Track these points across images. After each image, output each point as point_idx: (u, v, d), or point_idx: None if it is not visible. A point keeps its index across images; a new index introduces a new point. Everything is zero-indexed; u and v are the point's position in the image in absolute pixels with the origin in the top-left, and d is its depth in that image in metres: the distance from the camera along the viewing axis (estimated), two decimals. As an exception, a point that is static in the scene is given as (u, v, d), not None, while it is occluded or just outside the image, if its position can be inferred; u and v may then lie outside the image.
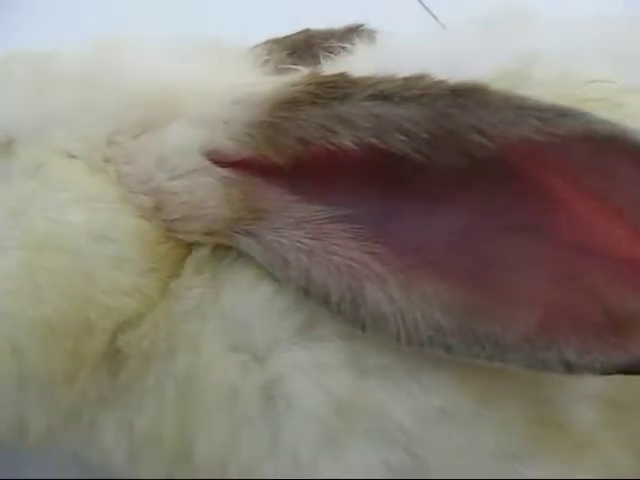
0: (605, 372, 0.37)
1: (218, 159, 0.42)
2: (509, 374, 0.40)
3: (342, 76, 0.41)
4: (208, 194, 0.42)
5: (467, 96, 0.38)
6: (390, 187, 0.41)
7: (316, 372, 0.41)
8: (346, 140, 0.39)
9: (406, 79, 0.40)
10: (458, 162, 0.38)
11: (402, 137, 0.38)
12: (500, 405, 0.41)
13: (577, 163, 0.37)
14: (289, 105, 0.41)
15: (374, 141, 0.39)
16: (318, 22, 0.63)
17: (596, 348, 0.37)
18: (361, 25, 0.61)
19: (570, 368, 0.37)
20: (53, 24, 0.91)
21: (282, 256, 0.41)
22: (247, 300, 0.43)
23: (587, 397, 0.42)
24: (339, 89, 0.40)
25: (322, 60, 0.54)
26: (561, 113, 0.36)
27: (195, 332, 0.43)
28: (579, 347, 0.37)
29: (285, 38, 0.61)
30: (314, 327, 0.42)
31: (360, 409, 0.40)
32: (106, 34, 0.48)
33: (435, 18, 0.91)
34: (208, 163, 0.42)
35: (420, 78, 0.39)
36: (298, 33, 0.61)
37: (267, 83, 0.44)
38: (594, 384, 0.42)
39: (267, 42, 0.60)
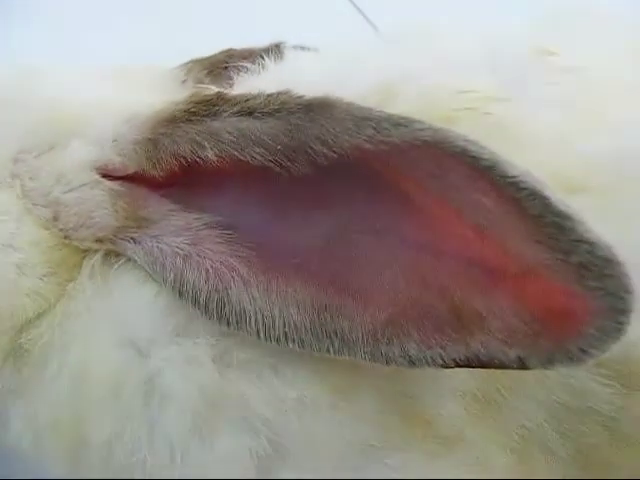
0: (445, 366, 0.39)
1: (107, 173, 0.46)
2: (368, 369, 0.43)
3: (218, 94, 0.45)
4: (97, 205, 0.46)
5: (317, 109, 0.41)
6: (263, 196, 0.45)
7: (187, 366, 0.45)
8: (211, 154, 0.42)
9: (269, 95, 0.43)
10: (308, 171, 0.41)
11: (259, 149, 0.41)
12: (356, 398, 0.43)
13: (418, 169, 0.40)
14: (168, 122, 0.45)
15: (236, 154, 0.42)
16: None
17: (438, 343, 0.39)
18: (281, 42, 0.64)
19: (412, 361, 0.40)
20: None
21: (160, 261, 0.45)
22: (133, 300, 0.46)
23: (452, 392, 0.44)
24: (212, 106, 0.44)
25: (234, 79, 0.58)
26: (396, 122, 0.39)
27: (87, 330, 0.47)
28: (421, 342, 0.40)
29: (206, 58, 0.65)
30: (190, 325, 0.45)
31: (226, 400, 0.44)
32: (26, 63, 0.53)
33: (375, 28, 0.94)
34: (98, 177, 0.46)
35: (281, 94, 0.43)
36: (220, 52, 0.65)
37: (159, 103, 0.48)
38: (459, 379, 0.44)
39: (188, 62, 0.64)
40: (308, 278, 0.42)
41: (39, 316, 0.48)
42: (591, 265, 0.35)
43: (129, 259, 0.47)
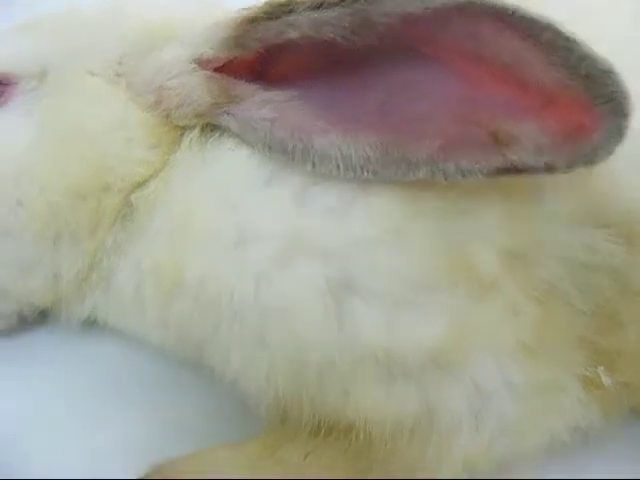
0: (491, 174, 0.51)
1: (202, 63, 0.57)
2: (424, 216, 0.54)
3: (289, -1, 0.57)
4: (195, 87, 0.57)
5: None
6: (329, 72, 0.56)
7: (272, 210, 0.55)
8: (292, 36, 0.54)
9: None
10: (369, 42, 0.53)
11: (330, 28, 0.53)
12: (413, 239, 0.53)
13: (454, 32, 0.52)
14: (251, 21, 0.56)
15: (311, 33, 0.54)
16: None
17: (483, 158, 0.51)
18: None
19: (464, 174, 0.51)
20: None
21: (251, 125, 0.56)
22: (227, 162, 0.57)
23: (491, 245, 0.54)
24: (287, 6, 0.56)
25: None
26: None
27: (187, 188, 0.58)
28: (470, 158, 0.51)
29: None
30: (274, 178, 0.56)
31: (303, 236, 0.54)
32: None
33: None
34: (195, 66, 0.57)
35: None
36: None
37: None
38: (494, 232, 0.54)
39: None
40: (374, 126, 0.54)
41: (146, 181, 0.59)
42: (594, 75, 0.48)
43: (222, 133, 0.57)
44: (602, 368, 0.59)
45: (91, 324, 0.67)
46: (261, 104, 0.56)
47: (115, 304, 0.63)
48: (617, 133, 0.49)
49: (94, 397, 0.67)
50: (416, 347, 0.53)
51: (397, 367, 0.54)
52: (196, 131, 0.58)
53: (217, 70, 0.57)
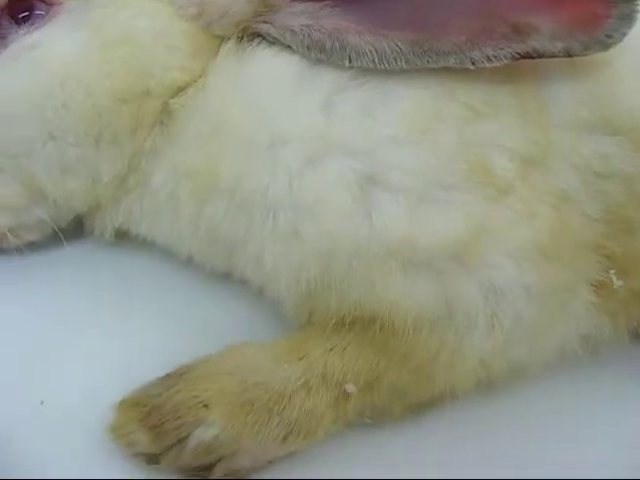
0: (514, 58, 0.56)
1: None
2: (449, 118, 0.57)
3: None
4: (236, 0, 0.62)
5: None
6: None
7: (298, 112, 0.59)
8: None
9: None
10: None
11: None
12: (437, 140, 0.57)
13: None
14: None
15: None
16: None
17: (506, 45, 0.56)
18: None
19: (490, 59, 0.56)
20: None
21: (290, 29, 0.60)
22: (258, 71, 0.61)
23: (507, 151, 0.58)
24: None
25: None
26: None
27: (225, 93, 0.62)
28: (495, 47, 0.56)
29: None
30: (301, 86, 0.60)
31: (332, 137, 0.58)
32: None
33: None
34: (232, -20, 0.62)
35: None
36: None
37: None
38: (512, 140, 0.58)
39: None
40: (403, 27, 0.58)
41: (185, 86, 0.63)
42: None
43: (259, 43, 0.62)
44: (613, 271, 0.63)
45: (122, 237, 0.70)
46: (297, 14, 0.61)
47: (149, 209, 0.66)
48: (628, 18, 0.54)
49: (124, 306, 0.69)
50: (436, 241, 0.57)
51: (418, 259, 0.57)
52: (233, 40, 0.63)
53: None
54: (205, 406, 0.58)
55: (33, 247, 0.70)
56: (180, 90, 0.63)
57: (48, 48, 0.64)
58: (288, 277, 0.60)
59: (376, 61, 0.58)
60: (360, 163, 0.57)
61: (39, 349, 0.66)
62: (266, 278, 0.62)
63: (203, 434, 0.57)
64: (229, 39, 0.63)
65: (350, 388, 0.59)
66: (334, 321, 0.60)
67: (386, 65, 0.57)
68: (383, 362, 0.60)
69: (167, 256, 0.70)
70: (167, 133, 0.64)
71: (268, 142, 0.59)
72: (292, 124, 0.59)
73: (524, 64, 0.57)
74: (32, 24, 0.66)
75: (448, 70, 0.58)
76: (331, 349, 0.60)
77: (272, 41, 0.62)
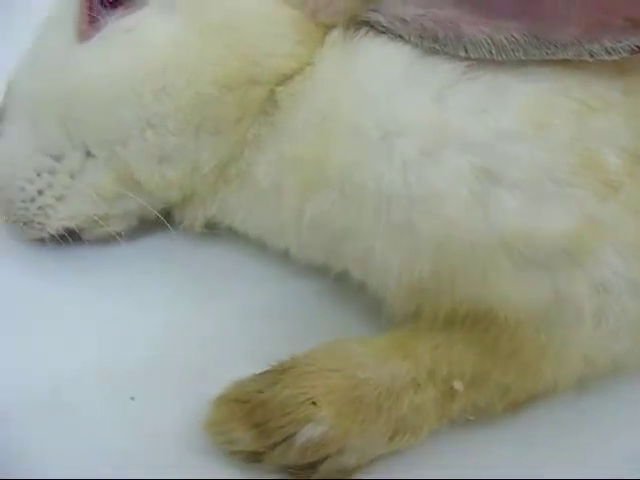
0: (633, 52, 0.56)
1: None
2: (562, 111, 0.56)
3: None
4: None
5: None
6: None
7: (413, 104, 0.57)
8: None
9: None
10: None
11: None
12: (554, 132, 0.56)
13: None
14: None
15: None
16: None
17: (624, 38, 0.56)
18: None
19: (609, 52, 0.56)
20: None
21: (401, 18, 0.59)
22: (368, 61, 0.60)
23: (617, 144, 0.57)
24: None
25: None
26: None
27: (333, 82, 0.60)
28: (613, 39, 0.56)
29: None
30: (413, 78, 0.58)
31: (449, 131, 0.56)
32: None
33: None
34: (342, -32, 0.61)
35: None
36: None
37: None
38: (624, 137, 0.57)
39: None
40: (516, 17, 0.58)
41: (292, 73, 0.61)
42: None
43: (367, 32, 0.61)
44: None
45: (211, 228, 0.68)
46: (405, 2, 0.60)
47: (249, 199, 0.64)
48: None
49: (209, 300, 0.68)
50: (549, 235, 0.56)
51: (531, 254, 0.56)
52: (340, 29, 0.61)
53: (361, -28, 0.61)
54: (313, 403, 0.56)
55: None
56: (286, 78, 0.62)
57: (144, 32, 0.62)
58: (398, 270, 0.58)
59: (493, 52, 0.57)
60: (477, 156, 0.56)
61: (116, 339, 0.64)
62: (373, 271, 0.60)
63: (311, 431, 0.55)
64: (335, 27, 0.62)
65: (458, 385, 0.58)
66: (443, 317, 0.58)
67: (503, 56, 0.57)
68: (491, 358, 0.59)
69: (255, 248, 0.68)
70: (272, 122, 0.62)
71: (381, 132, 0.57)
72: (406, 115, 0.57)
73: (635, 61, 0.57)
74: (125, 7, 0.64)
75: (562, 64, 0.57)
76: (438, 345, 0.59)
77: (381, 30, 0.60)
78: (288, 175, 0.61)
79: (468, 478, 0.59)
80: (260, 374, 0.59)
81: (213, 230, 0.68)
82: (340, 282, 0.66)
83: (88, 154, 0.64)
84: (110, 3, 0.64)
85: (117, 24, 0.63)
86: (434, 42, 0.58)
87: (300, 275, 0.68)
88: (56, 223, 0.66)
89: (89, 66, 0.62)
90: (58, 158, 0.64)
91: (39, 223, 0.66)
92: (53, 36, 0.67)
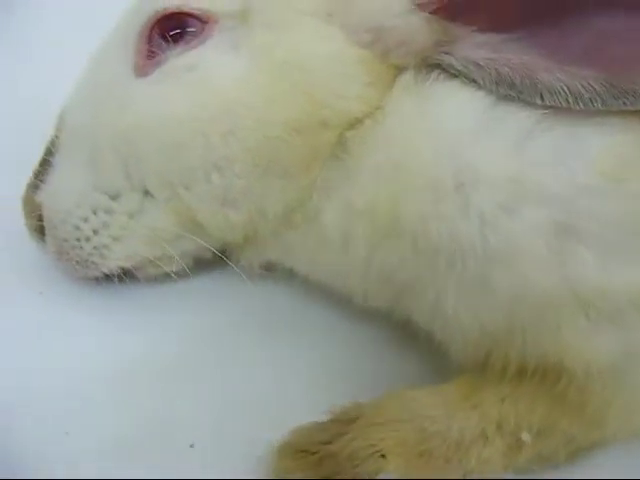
0: None
1: (421, 5, 0.59)
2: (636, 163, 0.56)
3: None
4: (415, 27, 0.59)
5: None
6: (536, 18, 0.59)
7: (490, 155, 0.55)
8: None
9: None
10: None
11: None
12: (631, 185, 0.55)
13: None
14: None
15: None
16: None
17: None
18: None
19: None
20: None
21: (475, 62, 0.58)
22: (443, 106, 0.58)
23: None
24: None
25: None
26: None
27: (404, 130, 0.58)
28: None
29: None
30: (497, 122, 0.57)
31: (526, 180, 0.55)
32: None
33: None
34: (415, 7, 0.59)
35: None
36: None
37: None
38: None
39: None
40: (594, 64, 0.57)
41: (363, 117, 0.59)
42: None
43: (439, 75, 0.59)
44: None
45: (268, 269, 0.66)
46: (479, 45, 0.58)
47: (315, 245, 0.62)
48: None
49: (270, 340, 0.66)
50: (626, 291, 0.55)
51: (607, 309, 0.55)
52: (411, 71, 0.60)
53: (434, 12, 0.59)
54: (382, 455, 0.55)
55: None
56: (356, 122, 0.59)
57: (208, 70, 0.60)
58: (469, 323, 0.57)
59: (570, 101, 0.56)
60: (555, 211, 0.55)
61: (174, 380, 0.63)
62: (441, 322, 0.59)
63: (381, 484, 0.54)
64: (406, 69, 0.60)
65: (525, 437, 0.58)
66: (512, 369, 0.58)
67: (581, 105, 0.55)
68: (559, 410, 0.58)
69: (316, 291, 0.67)
70: (342, 167, 0.60)
71: (457, 183, 0.56)
72: (482, 166, 0.56)
73: None
74: (185, 42, 0.62)
75: (636, 114, 0.56)
76: (506, 397, 0.58)
77: (454, 73, 0.59)
78: (357, 224, 0.59)
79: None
80: (325, 423, 0.58)
81: (271, 271, 0.67)
82: (403, 329, 0.64)
83: (147, 194, 0.62)
84: (171, 37, 0.62)
85: (178, 60, 0.61)
86: (510, 89, 0.57)
87: (361, 320, 0.66)
88: (111, 263, 0.64)
89: (151, 104, 0.60)
90: (115, 197, 0.62)
91: (93, 263, 0.64)
92: (109, 68, 0.64)
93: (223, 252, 0.66)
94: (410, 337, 0.64)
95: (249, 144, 0.58)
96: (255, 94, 0.58)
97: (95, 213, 0.63)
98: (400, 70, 0.60)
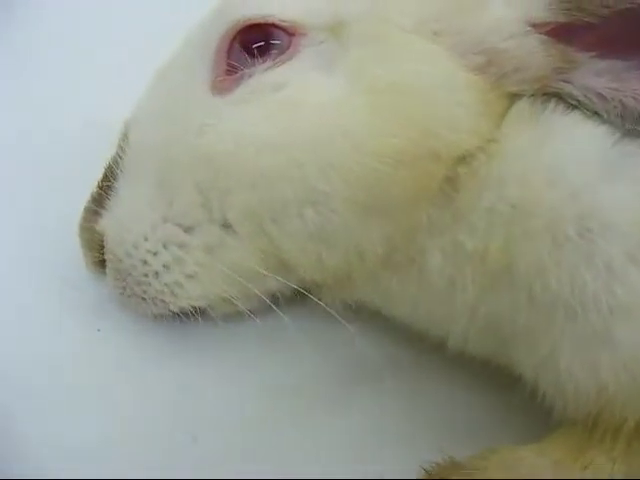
0: None
1: (536, 26, 0.53)
2: None
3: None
4: (532, 51, 0.53)
5: None
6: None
7: (618, 200, 0.50)
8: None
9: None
10: None
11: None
12: None
13: None
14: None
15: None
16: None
17: None
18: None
19: None
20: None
21: (597, 92, 0.52)
22: (565, 142, 0.52)
23: None
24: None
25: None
26: None
27: (521, 166, 0.52)
28: None
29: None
30: (625, 162, 0.51)
31: None
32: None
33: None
34: (529, 28, 0.53)
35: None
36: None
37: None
38: None
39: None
40: None
41: (475, 151, 0.53)
42: None
43: (556, 104, 0.53)
44: None
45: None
46: (599, 73, 0.53)
47: (415, 288, 0.56)
48: None
49: (350, 386, 0.61)
50: None
51: None
52: (526, 100, 0.54)
53: (550, 34, 0.54)
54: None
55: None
56: (467, 155, 0.53)
57: (299, 90, 0.54)
58: (584, 379, 0.52)
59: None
60: None
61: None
62: (551, 376, 0.54)
63: None
64: (519, 97, 0.54)
65: (634, 496, 0.53)
66: (629, 428, 0.53)
67: None
68: None
69: (399, 333, 0.61)
70: (451, 206, 0.53)
71: (580, 228, 0.50)
72: (609, 211, 0.50)
73: None
74: (271, 57, 0.55)
75: None
76: (617, 457, 0.53)
77: (573, 104, 0.53)
78: (466, 269, 0.53)
79: None
80: (422, 480, 0.53)
81: (355, 309, 0.60)
82: (498, 375, 0.59)
83: (228, 228, 0.55)
84: (252, 51, 0.55)
85: (265, 77, 0.54)
86: (637, 123, 0.51)
87: (451, 365, 0.61)
88: (183, 302, 0.57)
89: (235, 127, 0.53)
90: (191, 230, 0.55)
91: (162, 301, 0.57)
92: (182, 83, 0.57)
93: (305, 288, 0.59)
94: (505, 385, 0.59)
95: (348, 176, 0.51)
96: (354, 119, 0.52)
97: (166, 247, 0.56)
98: (513, 99, 0.54)
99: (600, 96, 0.52)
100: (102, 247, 0.59)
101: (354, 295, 0.59)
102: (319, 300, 0.58)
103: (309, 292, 0.58)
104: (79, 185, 0.61)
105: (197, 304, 0.58)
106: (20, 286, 0.64)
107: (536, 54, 0.53)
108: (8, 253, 0.65)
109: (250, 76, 0.55)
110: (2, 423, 0.56)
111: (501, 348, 0.56)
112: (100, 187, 0.60)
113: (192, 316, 0.58)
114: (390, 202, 0.53)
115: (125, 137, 0.60)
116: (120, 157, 0.59)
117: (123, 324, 0.60)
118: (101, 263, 0.60)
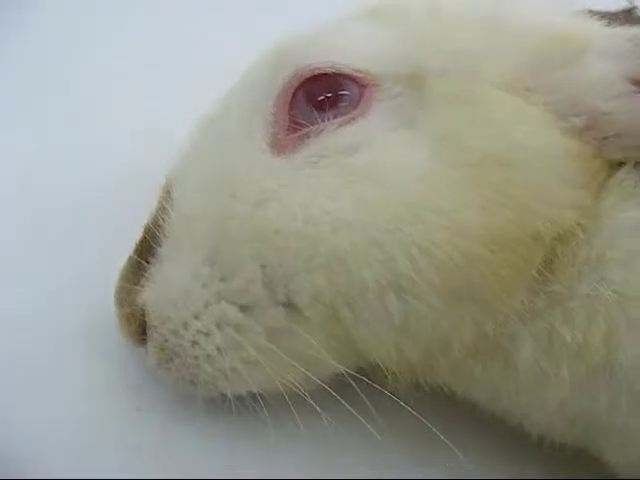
0: None
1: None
2: None
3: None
4: (637, 114, 0.47)
5: None
6: None
7: None
8: None
9: None
10: None
11: None
12: None
13: None
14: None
15: None
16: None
17: None
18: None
19: None
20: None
21: None
22: None
23: None
24: None
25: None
26: None
27: (629, 248, 0.46)
28: None
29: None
30: None
31: None
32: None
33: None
34: (633, 87, 0.47)
35: None
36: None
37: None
38: None
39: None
40: None
41: (576, 228, 0.47)
42: None
43: None
44: None
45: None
46: None
47: (497, 376, 0.50)
48: None
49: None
50: None
51: None
52: (629, 169, 0.48)
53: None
54: None
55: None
56: (569, 235, 0.46)
57: (377, 154, 0.47)
58: None
59: None
60: None
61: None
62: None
63: None
64: (619, 167, 0.48)
65: None
66: None
67: None
68: None
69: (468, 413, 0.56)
70: (546, 291, 0.47)
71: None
72: None
73: None
74: (340, 112, 0.48)
75: None
76: None
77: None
78: (562, 361, 0.47)
79: None
80: None
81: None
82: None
83: (294, 311, 0.48)
84: (316, 104, 0.48)
85: (334, 137, 0.47)
86: None
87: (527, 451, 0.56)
88: (237, 388, 0.51)
89: (304, 200, 0.46)
90: (248, 309, 0.48)
91: (214, 385, 0.51)
92: (235, 138, 0.50)
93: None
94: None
95: (437, 260, 0.45)
96: (444, 193, 0.45)
97: (220, 327, 0.49)
98: (613, 167, 0.49)
99: None
100: (143, 321, 0.52)
101: (425, 378, 0.53)
102: (380, 385, 0.52)
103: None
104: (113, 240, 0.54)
105: (253, 390, 0.51)
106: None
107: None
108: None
109: (318, 134, 0.48)
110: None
111: (588, 439, 0.51)
112: (139, 252, 0.53)
113: (245, 401, 0.52)
114: (483, 289, 0.46)
115: (168, 195, 0.52)
116: (163, 219, 0.52)
117: (164, 404, 0.54)
118: (143, 336, 0.53)
